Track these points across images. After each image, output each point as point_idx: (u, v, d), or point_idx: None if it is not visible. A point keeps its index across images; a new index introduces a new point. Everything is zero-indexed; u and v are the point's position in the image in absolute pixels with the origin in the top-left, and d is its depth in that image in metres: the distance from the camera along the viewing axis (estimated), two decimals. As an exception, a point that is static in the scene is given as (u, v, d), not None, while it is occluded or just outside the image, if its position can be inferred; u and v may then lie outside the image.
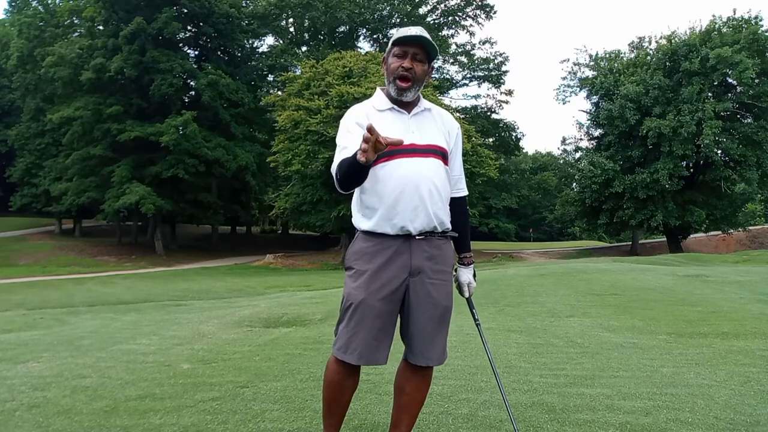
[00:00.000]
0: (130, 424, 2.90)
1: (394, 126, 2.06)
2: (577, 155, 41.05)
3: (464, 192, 2.36)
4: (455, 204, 2.29)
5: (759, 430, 2.73)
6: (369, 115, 2.13)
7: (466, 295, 2.39)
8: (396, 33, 2.17)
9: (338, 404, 2.25)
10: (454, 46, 41.05)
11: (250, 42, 39.72)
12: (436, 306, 2.16)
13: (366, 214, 2.16)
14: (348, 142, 2.07)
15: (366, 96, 23.89)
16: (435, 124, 2.24)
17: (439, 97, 30.77)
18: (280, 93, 32.65)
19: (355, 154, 1.89)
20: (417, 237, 2.12)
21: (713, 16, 49.59)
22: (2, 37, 40.54)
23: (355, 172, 1.95)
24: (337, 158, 2.07)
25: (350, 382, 2.21)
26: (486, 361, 4.24)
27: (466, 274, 2.40)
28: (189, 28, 35.83)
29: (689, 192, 32.60)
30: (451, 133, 2.28)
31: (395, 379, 2.35)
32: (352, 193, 2.22)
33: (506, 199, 54.01)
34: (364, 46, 42.47)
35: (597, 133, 37.89)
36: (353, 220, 2.21)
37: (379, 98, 2.22)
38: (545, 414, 2.96)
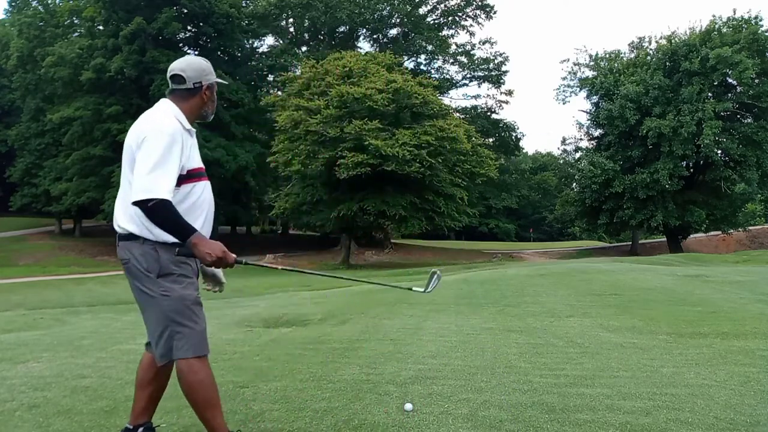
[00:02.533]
0: (130, 424, 2.90)
1: (194, 146, 2.40)
2: (577, 155, 41.09)
3: None
4: None
5: (759, 430, 2.73)
6: (183, 135, 2.31)
7: (223, 278, 2.64)
8: (211, 72, 2.51)
9: (217, 395, 2.39)
10: (454, 46, 41.05)
11: (250, 42, 39.74)
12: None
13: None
14: (177, 166, 2.23)
15: (366, 96, 24.01)
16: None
17: (439, 97, 30.76)
18: (280, 93, 32.65)
19: (193, 229, 2.21)
20: None
21: (713, 16, 49.60)
22: (2, 37, 40.54)
23: (173, 233, 2.22)
24: (161, 174, 2.16)
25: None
26: (486, 361, 4.24)
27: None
28: (189, 28, 35.84)
29: (689, 192, 32.60)
30: None
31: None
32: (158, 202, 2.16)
33: (506, 199, 54.01)
34: (364, 46, 42.47)
35: (597, 133, 37.92)
36: (148, 230, 2.26)
37: (181, 116, 2.37)
38: (545, 414, 2.96)
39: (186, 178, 2.30)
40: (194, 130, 2.45)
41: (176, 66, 2.44)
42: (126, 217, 2.30)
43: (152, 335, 2.36)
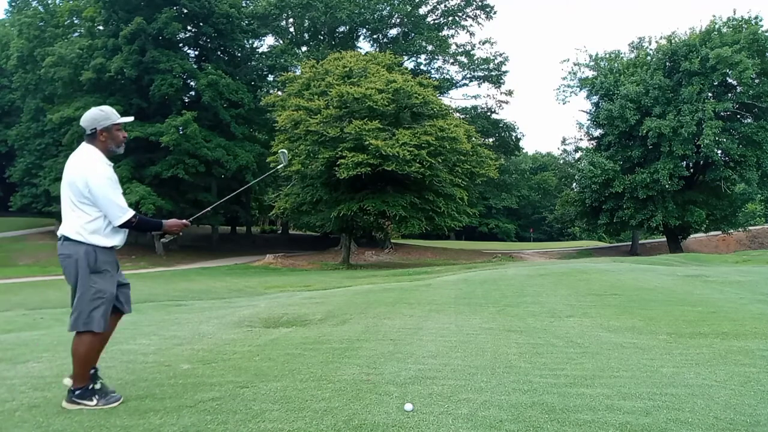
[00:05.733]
0: (130, 424, 2.91)
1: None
2: (577, 155, 41.07)
3: None
4: None
5: (759, 430, 2.74)
6: (111, 168, 3.29)
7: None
8: (115, 114, 3.35)
9: (96, 359, 3.32)
10: (454, 46, 41.03)
11: (250, 42, 39.72)
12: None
13: (110, 237, 3.29)
14: (120, 196, 3.26)
15: (366, 96, 23.98)
16: None
17: (439, 97, 30.74)
18: (280, 93, 32.64)
19: (160, 222, 3.47)
20: None
21: (713, 16, 49.63)
22: (2, 37, 40.55)
23: (152, 230, 3.58)
24: (124, 201, 3.26)
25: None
26: (486, 361, 4.24)
27: None
28: (189, 28, 35.82)
29: (689, 192, 32.58)
30: None
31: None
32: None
33: (506, 199, 54.09)
34: (364, 46, 42.48)
35: (597, 133, 37.90)
36: (90, 237, 3.23)
37: (101, 155, 3.29)
38: (545, 414, 2.97)
39: None
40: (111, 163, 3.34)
41: (81, 119, 3.36)
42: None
43: (74, 309, 3.25)
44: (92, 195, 3.17)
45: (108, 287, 3.25)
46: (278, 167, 3.86)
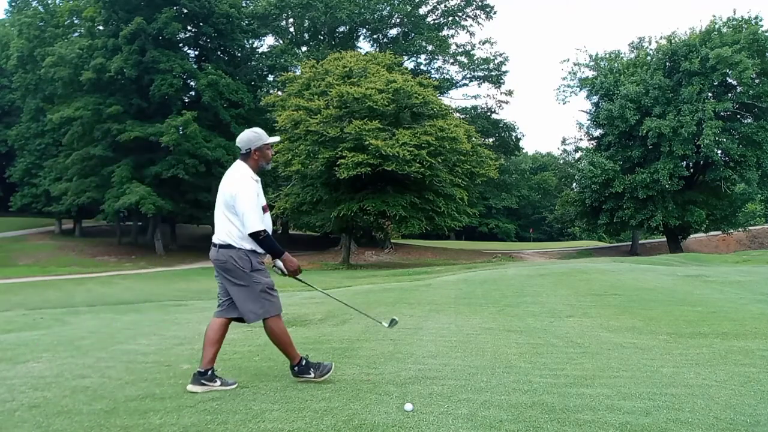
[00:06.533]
0: (130, 424, 2.90)
1: (260, 190, 3.70)
2: (577, 155, 41.05)
3: None
4: None
5: (759, 430, 2.74)
6: (258, 184, 3.69)
7: (285, 271, 3.76)
8: (266, 135, 3.77)
9: (289, 336, 3.71)
10: (454, 46, 41.02)
11: (250, 42, 39.71)
12: None
13: (255, 244, 3.60)
14: (258, 211, 3.61)
15: (366, 96, 23.99)
16: None
17: (439, 97, 30.72)
18: (280, 93, 32.63)
19: (283, 250, 3.69)
20: None
21: (713, 16, 49.60)
22: (2, 37, 40.53)
23: (271, 253, 3.69)
24: (258, 216, 3.57)
25: None
26: (486, 361, 4.24)
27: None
28: (189, 28, 35.81)
29: (689, 192, 32.58)
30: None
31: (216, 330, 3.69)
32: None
33: (506, 199, 54.06)
34: (364, 46, 42.45)
35: (597, 133, 37.88)
36: (241, 243, 3.59)
37: (251, 171, 3.71)
38: (545, 414, 2.96)
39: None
40: (260, 179, 3.73)
41: (237, 139, 3.81)
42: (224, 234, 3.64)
43: (244, 307, 3.60)
44: (235, 204, 3.56)
45: (269, 280, 3.66)
46: (388, 326, 4.23)
